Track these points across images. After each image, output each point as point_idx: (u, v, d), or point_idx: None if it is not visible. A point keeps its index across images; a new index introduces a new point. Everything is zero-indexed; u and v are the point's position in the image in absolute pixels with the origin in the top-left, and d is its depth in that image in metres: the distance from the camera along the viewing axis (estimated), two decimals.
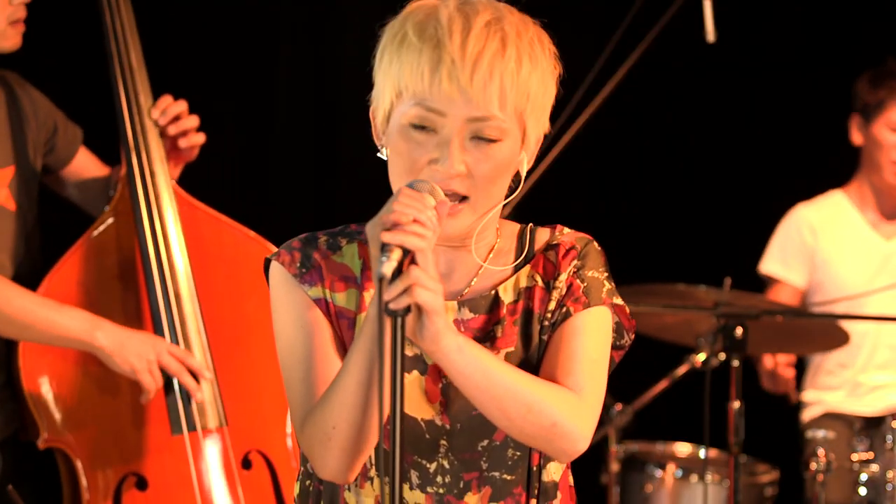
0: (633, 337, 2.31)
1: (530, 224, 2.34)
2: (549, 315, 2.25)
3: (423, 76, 2.13)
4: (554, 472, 2.29)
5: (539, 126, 2.22)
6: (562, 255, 2.27)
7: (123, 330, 3.42)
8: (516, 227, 2.34)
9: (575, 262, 2.26)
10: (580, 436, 2.17)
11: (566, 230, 2.31)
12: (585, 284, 2.25)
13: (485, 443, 2.24)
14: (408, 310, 2.04)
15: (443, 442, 2.23)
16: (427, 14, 2.18)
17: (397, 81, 2.17)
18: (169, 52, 4.77)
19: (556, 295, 2.25)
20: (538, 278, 2.27)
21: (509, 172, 2.21)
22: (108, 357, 3.39)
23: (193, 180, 3.78)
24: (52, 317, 3.37)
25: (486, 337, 2.24)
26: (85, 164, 3.68)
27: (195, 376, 3.48)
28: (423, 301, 2.04)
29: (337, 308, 2.24)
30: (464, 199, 2.18)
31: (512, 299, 2.26)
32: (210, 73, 4.79)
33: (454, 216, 2.17)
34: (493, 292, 2.26)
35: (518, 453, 2.25)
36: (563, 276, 2.26)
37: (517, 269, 2.28)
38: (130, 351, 3.39)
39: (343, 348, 2.23)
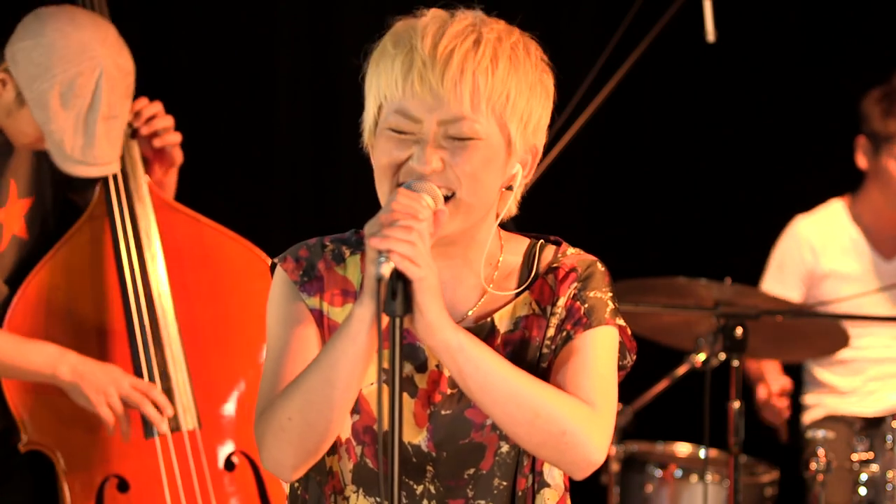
0: (634, 358, 2.27)
1: (540, 241, 2.30)
2: (548, 342, 2.22)
3: (398, 82, 2.14)
4: (549, 497, 2.25)
5: (527, 133, 2.19)
6: (560, 279, 2.23)
7: (87, 362, 3.39)
8: (524, 243, 2.30)
9: (575, 284, 2.22)
10: (594, 447, 2.12)
11: (570, 250, 2.27)
12: (587, 306, 2.21)
13: (471, 471, 2.21)
14: (407, 310, 2.03)
15: (429, 468, 2.21)
16: (405, 25, 2.19)
17: (377, 94, 2.18)
18: (168, 54, 4.77)
19: (554, 321, 2.22)
20: (535, 306, 2.24)
21: (495, 174, 2.17)
22: (70, 391, 3.38)
23: (193, 181, 3.78)
24: (18, 353, 3.36)
25: None
26: None
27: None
28: (412, 274, 2.02)
29: (331, 322, 2.23)
30: (449, 197, 2.15)
31: (508, 328, 2.23)
32: (209, 74, 4.79)
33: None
34: (489, 320, 2.23)
35: (504, 483, 2.22)
36: (562, 301, 2.22)
37: (518, 294, 2.25)
38: (89, 384, 3.37)
39: None
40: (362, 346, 2.07)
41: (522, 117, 2.17)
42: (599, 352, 2.19)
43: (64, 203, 3.66)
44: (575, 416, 2.10)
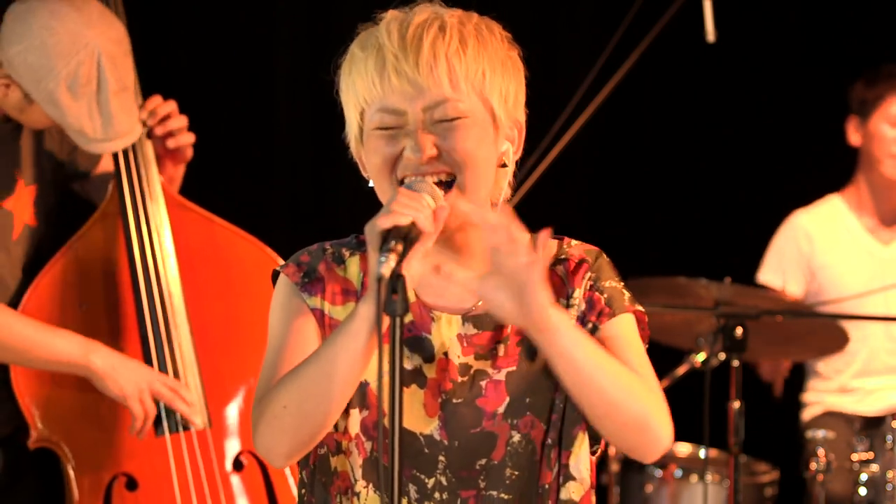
0: (647, 346, 2.29)
1: None
2: None
3: (374, 81, 2.17)
4: (574, 491, 2.25)
5: (508, 107, 2.21)
6: (572, 270, 2.25)
7: (117, 354, 3.41)
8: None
9: (589, 274, 2.24)
10: (667, 432, 2.14)
11: (573, 242, 2.29)
12: (606, 296, 2.23)
13: (483, 461, 2.22)
14: (406, 309, 2.03)
15: (441, 458, 2.22)
16: (368, 30, 2.23)
17: (356, 99, 2.22)
18: (168, 54, 4.78)
19: (574, 312, 2.23)
20: None
21: (488, 150, 2.20)
22: (101, 380, 3.38)
23: (193, 181, 3.78)
24: (48, 341, 3.36)
25: (487, 355, 2.22)
26: (109, 168, 3.67)
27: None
28: (477, 218, 2.04)
29: (332, 321, 2.24)
30: (450, 182, 2.17)
31: None
32: (209, 74, 4.79)
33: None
34: None
35: (516, 473, 2.22)
36: (579, 292, 2.24)
37: None
38: (123, 376, 3.38)
39: None
40: (362, 343, 2.09)
41: (501, 91, 2.20)
42: (631, 337, 2.23)
43: (66, 192, 3.66)
44: (653, 399, 2.13)
